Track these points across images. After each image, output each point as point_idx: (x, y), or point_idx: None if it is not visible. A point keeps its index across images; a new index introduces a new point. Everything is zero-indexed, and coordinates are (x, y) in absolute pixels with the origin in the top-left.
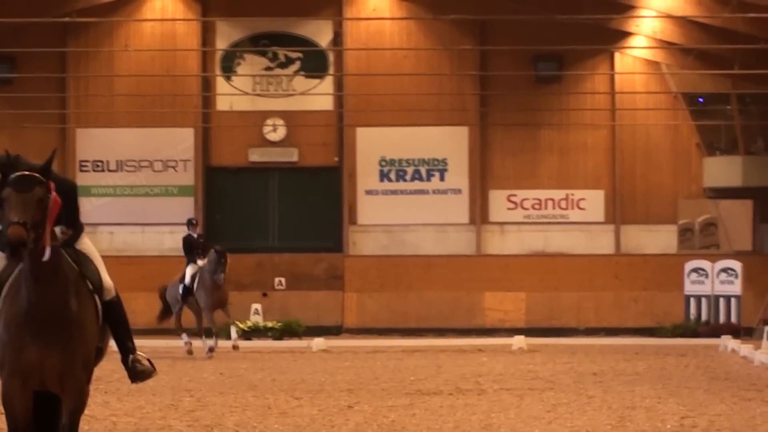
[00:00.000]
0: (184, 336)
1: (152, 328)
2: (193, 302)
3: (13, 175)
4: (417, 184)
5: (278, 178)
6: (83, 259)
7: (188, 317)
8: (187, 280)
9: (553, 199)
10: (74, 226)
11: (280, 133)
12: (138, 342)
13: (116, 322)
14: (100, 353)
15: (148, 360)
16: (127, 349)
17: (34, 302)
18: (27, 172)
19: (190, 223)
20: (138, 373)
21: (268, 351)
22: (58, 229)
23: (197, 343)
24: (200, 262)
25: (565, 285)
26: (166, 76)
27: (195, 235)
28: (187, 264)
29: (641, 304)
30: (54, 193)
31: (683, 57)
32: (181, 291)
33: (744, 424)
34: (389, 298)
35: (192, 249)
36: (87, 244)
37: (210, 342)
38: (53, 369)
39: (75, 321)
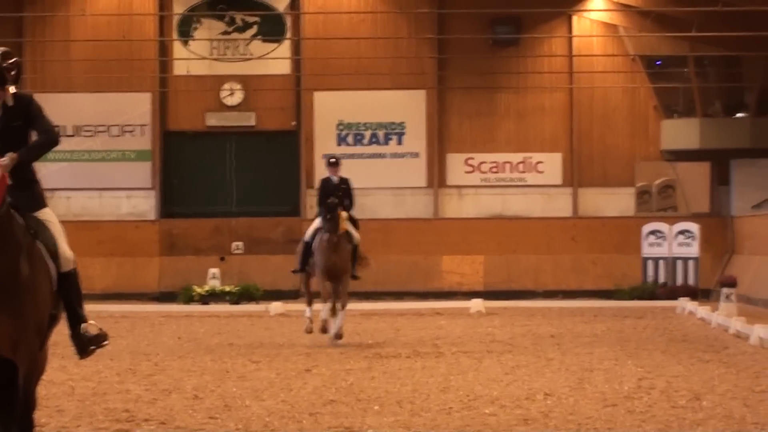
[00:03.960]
0: (306, 310)
1: (109, 293)
2: (312, 264)
3: None
4: (374, 148)
5: (235, 143)
6: (40, 227)
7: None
8: (307, 235)
9: (510, 163)
10: (48, 133)
11: (237, 98)
12: (95, 307)
13: (69, 293)
14: (54, 320)
15: (100, 329)
16: (78, 318)
17: None
18: None
19: (329, 164)
20: (90, 338)
21: (226, 315)
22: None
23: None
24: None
25: (523, 248)
26: (123, 40)
27: (335, 179)
28: (317, 215)
29: (599, 266)
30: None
31: (641, 19)
32: (301, 249)
33: (701, 385)
34: None
35: (327, 197)
36: (47, 213)
37: (333, 322)
38: (4, 334)
39: (26, 287)
